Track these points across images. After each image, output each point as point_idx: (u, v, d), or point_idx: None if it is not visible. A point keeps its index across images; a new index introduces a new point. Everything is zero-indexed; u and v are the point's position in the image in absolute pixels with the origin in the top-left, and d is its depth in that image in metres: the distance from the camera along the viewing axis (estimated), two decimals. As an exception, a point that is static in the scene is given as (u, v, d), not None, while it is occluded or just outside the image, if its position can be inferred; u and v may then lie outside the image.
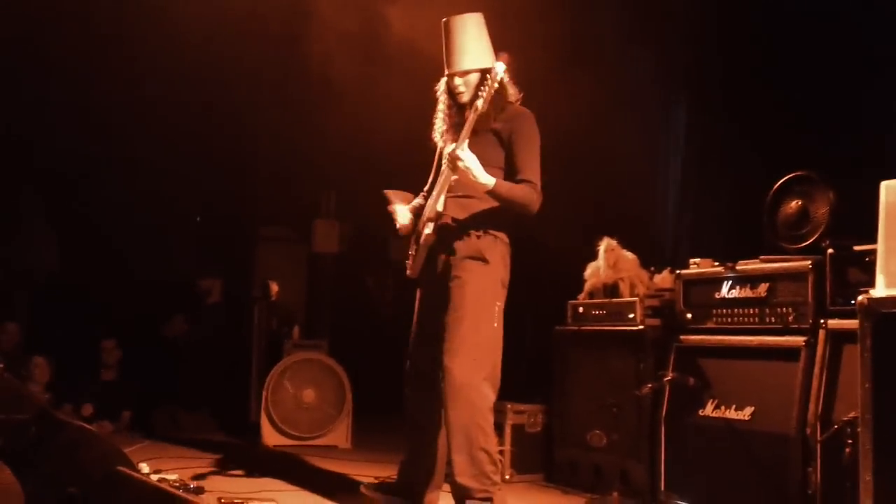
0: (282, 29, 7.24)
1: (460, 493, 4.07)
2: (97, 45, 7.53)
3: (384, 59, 6.23)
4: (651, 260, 5.55)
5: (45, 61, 7.65)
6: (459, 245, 4.12)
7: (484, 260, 4.10)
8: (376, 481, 4.71)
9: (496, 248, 4.15)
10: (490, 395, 4.07)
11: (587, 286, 5.63)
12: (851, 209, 4.25)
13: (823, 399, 3.97)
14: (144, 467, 4.66)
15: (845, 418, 3.64)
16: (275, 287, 8.38)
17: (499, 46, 4.16)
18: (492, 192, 4.01)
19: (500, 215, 4.14)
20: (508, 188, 4.04)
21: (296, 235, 9.67)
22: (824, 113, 5.15)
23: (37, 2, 6.86)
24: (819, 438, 3.92)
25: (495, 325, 4.13)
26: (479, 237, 4.11)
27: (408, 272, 4.37)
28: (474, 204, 4.13)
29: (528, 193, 4.06)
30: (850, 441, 3.55)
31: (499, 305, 4.17)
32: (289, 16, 6.95)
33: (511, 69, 4.06)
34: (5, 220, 8.36)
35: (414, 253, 4.30)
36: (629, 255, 5.48)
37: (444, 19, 4.21)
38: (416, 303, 4.40)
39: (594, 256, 5.58)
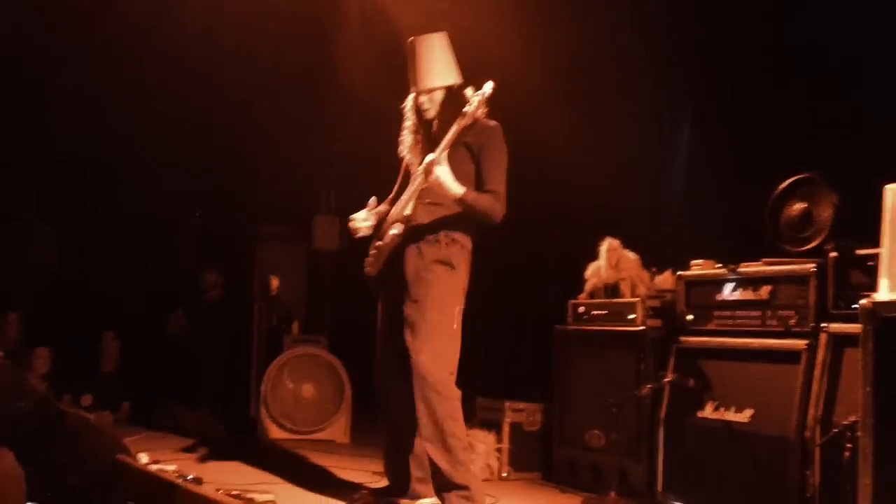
0: (282, 26, 7.24)
1: (438, 481, 4.18)
2: (97, 42, 7.53)
3: (384, 56, 6.24)
4: (652, 260, 5.55)
5: (44, 58, 7.66)
6: (427, 249, 4.25)
7: (451, 265, 4.25)
8: (368, 492, 4.74)
9: (462, 255, 4.30)
10: (455, 388, 4.19)
11: (588, 286, 5.63)
12: (855, 212, 4.25)
13: (823, 402, 3.96)
14: (143, 457, 4.66)
15: (845, 422, 3.64)
16: (275, 281, 8.38)
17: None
18: (460, 202, 4.16)
19: (466, 222, 4.29)
20: (474, 198, 4.18)
21: (295, 232, 9.66)
22: (828, 115, 5.15)
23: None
24: (818, 441, 3.92)
25: (455, 326, 4.25)
26: (447, 244, 4.25)
27: (366, 269, 4.46)
28: (441, 210, 4.27)
29: (492, 204, 4.21)
30: (849, 444, 3.55)
31: (459, 309, 4.29)
32: (289, 12, 6.96)
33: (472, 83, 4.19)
34: (4, 219, 8.35)
35: (375, 252, 4.39)
36: (631, 255, 5.49)
37: (409, 39, 4.34)
38: (381, 303, 4.52)
39: (595, 256, 5.58)
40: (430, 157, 4.14)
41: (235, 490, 4.42)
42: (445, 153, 4.11)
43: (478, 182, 4.25)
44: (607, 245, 5.51)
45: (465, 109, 4.06)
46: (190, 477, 4.47)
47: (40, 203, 8.43)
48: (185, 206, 9.66)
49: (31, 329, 7.76)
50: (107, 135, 8.34)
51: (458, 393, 4.19)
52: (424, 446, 4.16)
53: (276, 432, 6.88)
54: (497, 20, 6.08)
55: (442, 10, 5.38)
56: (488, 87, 4.07)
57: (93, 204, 8.60)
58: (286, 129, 8.76)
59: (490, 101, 4.15)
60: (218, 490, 4.34)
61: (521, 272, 7.43)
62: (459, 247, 4.28)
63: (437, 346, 4.16)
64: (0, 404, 3.89)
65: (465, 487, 4.10)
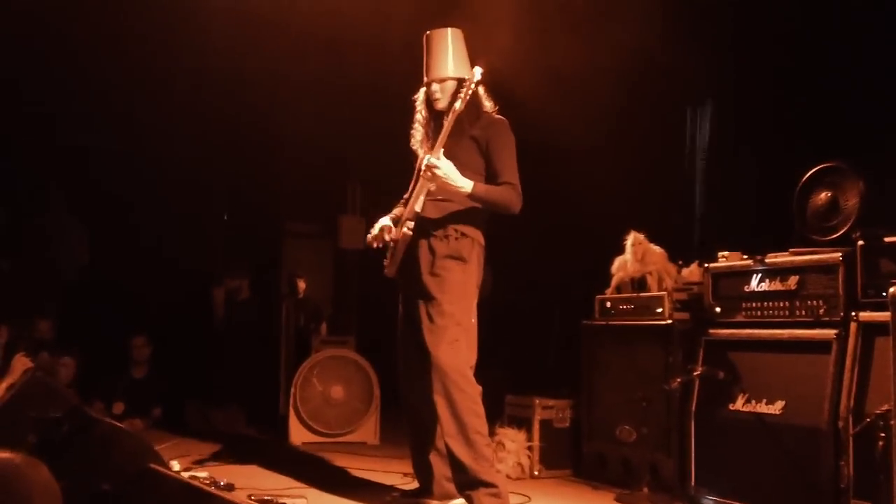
0: (306, 25, 7.25)
1: (462, 479, 4.14)
2: (124, 40, 7.57)
3: (409, 54, 6.25)
4: (679, 253, 5.52)
5: (71, 57, 7.70)
6: (439, 245, 4.26)
7: (463, 260, 4.26)
8: (399, 494, 4.75)
9: (474, 249, 4.31)
10: (475, 382, 4.19)
11: (614, 280, 5.61)
12: (882, 199, 4.21)
13: (855, 392, 3.93)
14: (175, 465, 4.69)
15: (878, 411, 3.61)
16: (302, 284, 8.42)
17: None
18: (472, 196, 4.17)
19: (476, 216, 4.30)
20: (486, 190, 4.20)
21: (322, 231, 9.69)
22: (854, 103, 5.10)
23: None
24: (851, 431, 3.88)
25: (473, 320, 4.28)
26: (457, 239, 4.26)
27: (385, 271, 4.49)
28: (451, 206, 4.28)
29: (508, 194, 4.22)
30: (882, 434, 3.53)
31: (474, 302, 4.32)
32: (313, 12, 6.96)
33: (487, 81, 4.21)
34: (35, 215, 8.43)
35: (391, 253, 4.42)
36: (657, 248, 5.47)
37: (426, 32, 4.39)
38: (400, 303, 4.52)
39: (621, 250, 5.56)
40: (427, 158, 4.15)
41: (268, 495, 4.44)
42: (441, 150, 4.11)
43: (489, 175, 4.26)
44: (633, 239, 5.48)
45: (458, 96, 4.09)
46: (222, 483, 4.50)
47: (69, 202, 8.50)
48: (212, 205, 9.68)
49: (61, 332, 7.80)
50: (134, 133, 8.39)
51: (478, 388, 4.19)
52: (446, 442, 4.15)
53: (305, 435, 6.90)
54: (511, 8, 6.06)
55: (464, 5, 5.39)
56: (477, 71, 4.09)
57: (120, 204, 8.64)
58: (312, 128, 8.79)
59: (487, 86, 4.24)
60: (250, 496, 4.37)
61: (546, 268, 7.41)
62: (470, 241, 4.28)
63: (454, 340, 4.16)
64: (33, 413, 3.92)
65: (493, 485, 4.08)
